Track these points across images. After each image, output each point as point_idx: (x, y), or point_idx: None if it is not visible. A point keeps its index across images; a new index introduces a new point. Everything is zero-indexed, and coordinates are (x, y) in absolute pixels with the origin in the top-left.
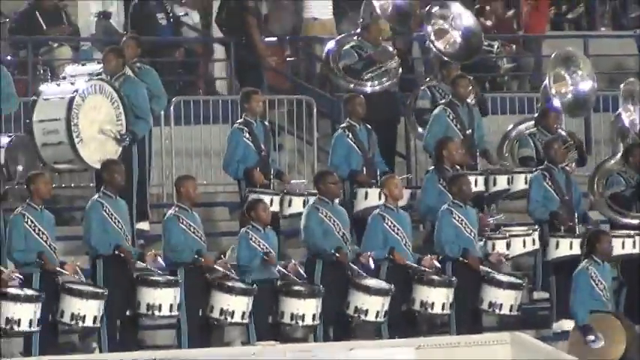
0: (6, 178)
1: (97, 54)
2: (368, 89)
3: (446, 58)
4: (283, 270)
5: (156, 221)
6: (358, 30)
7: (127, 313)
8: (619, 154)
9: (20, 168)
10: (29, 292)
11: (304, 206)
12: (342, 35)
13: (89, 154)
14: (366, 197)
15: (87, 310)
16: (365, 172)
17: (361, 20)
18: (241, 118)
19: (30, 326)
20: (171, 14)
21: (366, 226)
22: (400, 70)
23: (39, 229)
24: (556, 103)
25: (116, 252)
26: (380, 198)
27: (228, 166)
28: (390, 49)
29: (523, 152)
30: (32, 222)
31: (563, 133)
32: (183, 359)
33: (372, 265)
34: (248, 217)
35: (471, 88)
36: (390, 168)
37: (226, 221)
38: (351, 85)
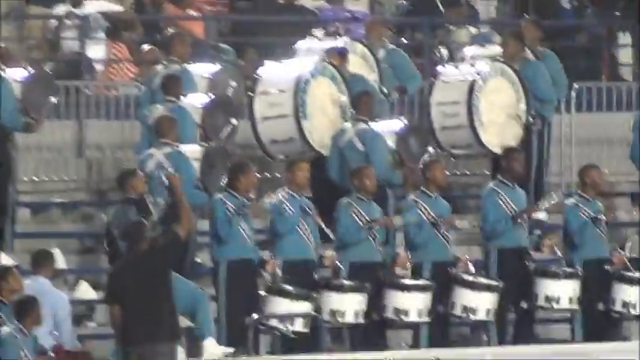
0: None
1: (495, 37)
2: None
3: None
4: None
5: (554, 211)
6: None
7: (523, 305)
8: None
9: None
10: (420, 282)
11: None
12: None
13: (489, 138)
14: None
15: (479, 302)
16: None
17: None
18: None
19: (419, 317)
20: None
21: None
22: None
23: (431, 216)
24: None
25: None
26: None
27: (634, 155)
28: None
29: None
30: (425, 209)
31: None
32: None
33: None
34: None
35: None
36: None
37: (628, 212)
38: None
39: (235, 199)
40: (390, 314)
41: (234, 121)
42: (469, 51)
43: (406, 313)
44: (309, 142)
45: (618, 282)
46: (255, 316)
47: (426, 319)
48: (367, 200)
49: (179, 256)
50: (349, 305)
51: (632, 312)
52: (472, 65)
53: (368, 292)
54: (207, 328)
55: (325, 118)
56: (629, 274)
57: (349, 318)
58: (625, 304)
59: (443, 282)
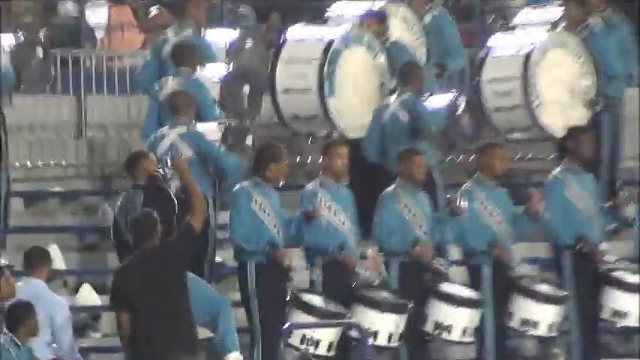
0: None
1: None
2: None
3: None
4: None
5: None
6: None
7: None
8: None
9: None
10: (469, 293)
11: None
12: None
13: (550, 119)
14: None
15: (541, 316)
16: None
17: None
18: None
19: (464, 334)
20: None
21: None
22: None
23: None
24: None
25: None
26: None
27: None
28: None
29: None
30: (482, 201)
31: None
32: None
33: None
34: None
35: None
36: None
37: None
38: None
39: (262, 189)
40: (429, 328)
41: (246, 89)
42: (523, 15)
43: (448, 329)
44: (333, 122)
45: None
46: (287, 325)
47: (470, 338)
48: (415, 189)
49: (195, 253)
50: (383, 326)
51: None
52: (528, 34)
53: (408, 311)
54: (231, 340)
55: (359, 95)
56: None
57: (381, 340)
58: None
59: (502, 285)
